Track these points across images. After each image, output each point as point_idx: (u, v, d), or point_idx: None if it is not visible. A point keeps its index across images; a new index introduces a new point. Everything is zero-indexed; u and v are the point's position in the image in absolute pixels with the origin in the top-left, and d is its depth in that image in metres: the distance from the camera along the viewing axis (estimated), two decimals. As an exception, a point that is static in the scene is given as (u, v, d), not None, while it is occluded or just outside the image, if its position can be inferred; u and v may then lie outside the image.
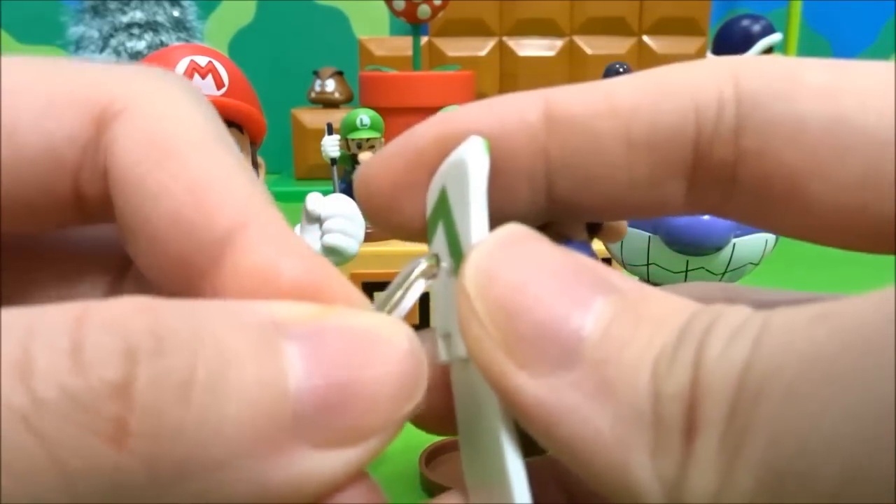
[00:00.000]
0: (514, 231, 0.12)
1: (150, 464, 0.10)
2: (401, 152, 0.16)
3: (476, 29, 1.62)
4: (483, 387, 0.12)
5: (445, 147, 0.15)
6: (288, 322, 0.12)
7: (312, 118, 1.57)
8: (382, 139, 0.78)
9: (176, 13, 1.31)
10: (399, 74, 1.21)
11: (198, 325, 0.11)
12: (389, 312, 0.14)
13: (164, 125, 0.14)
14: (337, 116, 0.88)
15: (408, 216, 0.16)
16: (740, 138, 0.13)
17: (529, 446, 0.12)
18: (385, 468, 0.50)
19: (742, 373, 0.10)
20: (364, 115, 0.76)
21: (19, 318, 0.10)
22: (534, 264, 0.12)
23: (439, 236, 0.15)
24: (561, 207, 0.15)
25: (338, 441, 0.11)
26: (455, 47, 1.62)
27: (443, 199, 0.15)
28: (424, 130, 0.15)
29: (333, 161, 0.77)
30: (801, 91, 0.13)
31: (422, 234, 0.16)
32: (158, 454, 0.10)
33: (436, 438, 0.49)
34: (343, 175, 0.80)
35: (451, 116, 0.15)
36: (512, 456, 0.12)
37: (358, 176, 0.16)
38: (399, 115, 1.05)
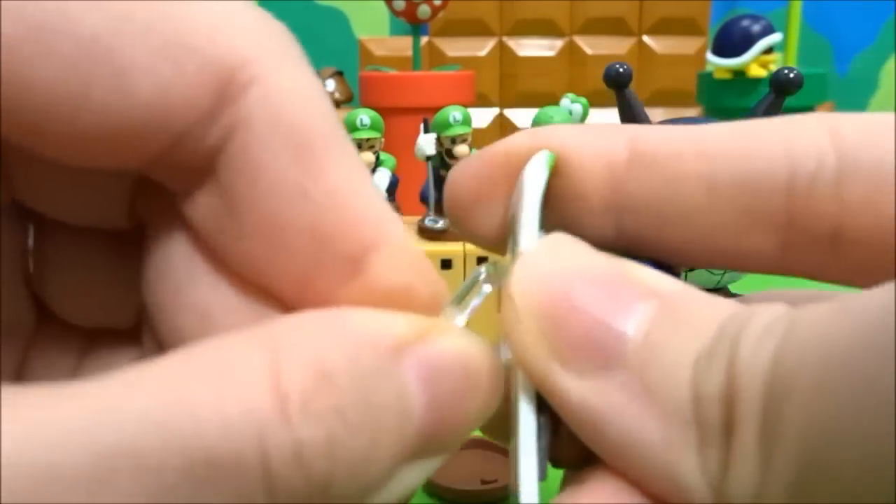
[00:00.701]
0: (559, 239, 0.13)
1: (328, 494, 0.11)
2: (483, 161, 0.16)
3: (476, 29, 1.62)
4: (515, 394, 0.13)
5: (522, 159, 0.15)
6: (403, 344, 0.12)
7: (312, 118, 1.56)
8: (382, 139, 0.78)
9: None
10: (399, 74, 1.21)
11: (360, 385, 0.11)
12: (457, 318, 0.14)
13: (300, 111, 0.13)
14: (337, 116, 0.88)
15: (484, 225, 0.16)
16: (844, 189, 0.13)
17: (567, 455, 0.12)
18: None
19: (771, 370, 0.10)
20: (364, 115, 0.76)
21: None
22: (576, 272, 0.12)
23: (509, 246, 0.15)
24: (630, 243, 0.15)
25: (430, 454, 0.12)
26: (455, 47, 1.62)
27: (513, 211, 0.15)
28: (508, 142, 0.15)
29: (333, 161, 0.77)
30: None
31: (498, 243, 0.16)
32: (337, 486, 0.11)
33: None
34: (343, 175, 0.80)
35: (539, 132, 0.15)
36: (527, 462, 0.12)
37: (447, 179, 0.16)
38: (399, 115, 1.05)
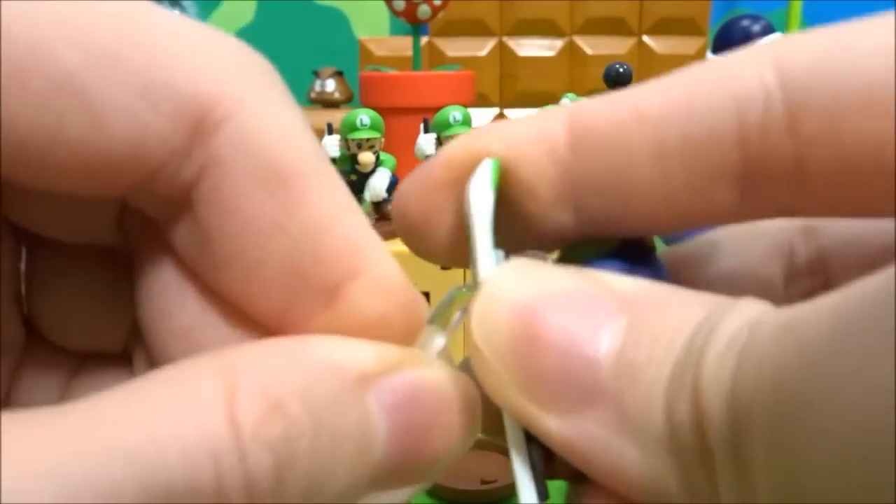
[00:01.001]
0: (515, 268, 0.12)
1: None
2: (425, 175, 0.15)
3: (476, 29, 1.62)
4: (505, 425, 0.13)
5: (466, 169, 0.14)
6: (373, 375, 0.12)
7: (312, 118, 1.57)
8: (382, 139, 0.78)
9: (176, 13, 1.31)
10: (399, 74, 1.21)
11: (314, 413, 0.11)
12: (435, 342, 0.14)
13: (275, 146, 0.13)
14: (337, 116, 0.88)
15: (436, 240, 0.15)
16: (798, 124, 0.12)
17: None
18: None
19: (730, 395, 0.10)
20: (364, 115, 0.76)
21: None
22: (537, 304, 0.12)
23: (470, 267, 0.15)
24: (593, 227, 0.14)
25: (399, 484, 0.12)
26: (455, 47, 1.62)
27: (466, 226, 0.14)
28: (444, 153, 0.15)
29: (333, 161, 0.77)
30: (858, 56, 0.12)
31: (453, 257, 0.15)
32: None
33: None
34: (343, 175, 0.80)
35: (475, 137, 0.15)
36: (526, 489, 0.12)
37: (394, 197, 0.16)
38: (399, 115, 1.05)
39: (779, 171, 0.12)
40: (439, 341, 0.14)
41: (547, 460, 0.12)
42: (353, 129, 0.77)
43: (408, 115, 1.00)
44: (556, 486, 0.12)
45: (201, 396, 0.11)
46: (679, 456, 0.10)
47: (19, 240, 0.16)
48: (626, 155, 0.13)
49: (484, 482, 0.39)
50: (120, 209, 0.16)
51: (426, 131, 0.79)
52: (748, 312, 0.10)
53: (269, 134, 0.13)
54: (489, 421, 0.13)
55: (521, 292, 0.12)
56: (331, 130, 0.77)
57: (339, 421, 0.11)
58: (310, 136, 0.14)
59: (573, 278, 0.12)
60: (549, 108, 0.14)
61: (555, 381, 0.11)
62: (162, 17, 0.13)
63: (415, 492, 0.13)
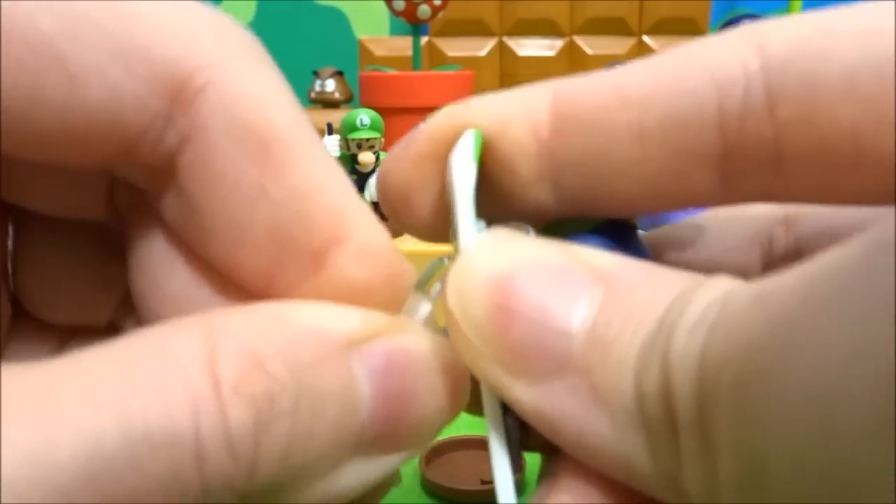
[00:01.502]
0: (493, 238, 0.12)
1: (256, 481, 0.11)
2: (408, 149, 0.15)
3: (476, 29, 1.62)
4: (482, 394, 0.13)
5: (449, 142, 0.14)
6: (358, 341, 0.12)
7: (312, 118, 1.56)
8: (382, 139, 0.78)
9: None
10: (399, 74, 1.21)
11: (297, 375, 0.11)
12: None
13: (257, 113, 0.13)
14: (337, 116, 0.88)
15: (418, 214, 0.15)
16: (777, 109, 0.12)
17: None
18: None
19: (699, 367, 0.10)
20: (364, 115, 0.76)
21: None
22: (512, 274, 0.12)
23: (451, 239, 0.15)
24: (573, 207, 0.14)
25: (383, 451, 0.12)
26: (455, 47, 1.62)
27: (449, 200, 0.14)
28: (428, 126, 0.15)
29: (333, 161, 0.77)
30: (839, 41, 0.12)
31: (435, 231, 0.15)
32: (268, 475, 0.11)
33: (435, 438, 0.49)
34: (343, 175, 0.80)
35: (458, 109, 0.14)
36: (500, 459, 0.12)
37: (377, 173, 0.16)
38: (399, 115, 1.05)
39: (758, 155, 0.12)
40: (425, 308, 0.14)
41: (523, 431, 0.12)
42: (353, 129, 0.77)
43: (408, 115, 1.00)
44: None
45: (183, 352, 0.11)
46: (647, 428, 0.10)
47: (5, 215, 0.16)
48: (608, 136, 0.13)
49: (484, 482, 0.39)
50: (109, 184, 0.16)
51: (426, 131, 0.79)
52: (721, 288, 0.10)
53: (251, 100, 0.13)
54: (472, 392, 0.13)
55: (496, 262, 0.12)
56: (331, 130, 0.77)
57: (323, 383, 0.11)
58: (292, 102, 0.14)
59: (551, 250, 0.12)
60: (535, 84, 0.14)
61: (527, 351, 0.11)
62: None
63: (400, 461, 0.12)
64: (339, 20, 1.89)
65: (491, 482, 0.12)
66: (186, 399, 0.11)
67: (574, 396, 0.11)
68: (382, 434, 0.12)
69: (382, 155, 0.80)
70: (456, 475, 0.40)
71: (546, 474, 0.12)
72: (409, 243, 0.81)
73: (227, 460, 0.11)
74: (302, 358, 0.11)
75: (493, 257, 0.12)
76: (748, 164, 0.12)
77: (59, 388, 0.10)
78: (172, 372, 0.11)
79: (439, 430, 0.13)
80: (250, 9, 1.90)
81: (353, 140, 0.77)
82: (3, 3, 0.11)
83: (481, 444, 0.42)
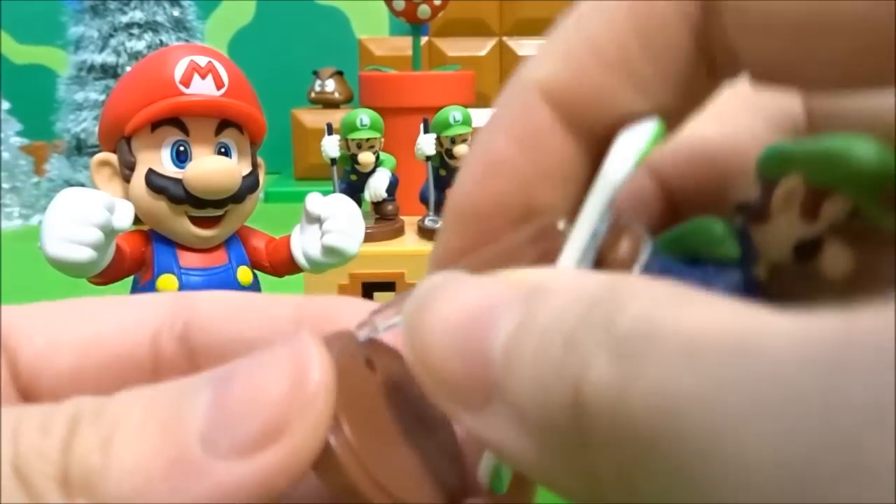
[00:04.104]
0: (441, 282, 0.12)
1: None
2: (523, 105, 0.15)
3: (476, 29, 1.62)
4: None
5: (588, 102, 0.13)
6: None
7: (312, 118, 1.57)
8: (382, 139, 0.78)
9: (176, 13, 1.31)
10: (399, 74, 1.21)
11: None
12: None
13: None
14: (337, 116, 0.88)
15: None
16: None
17: None
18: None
19: (617, 400, 0.09)
20: (364, 115, 0.76)
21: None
22: (445, 314, 0.12)
23: None
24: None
25: (249, 449, 0.11)
26: (455, 47, 1.62)
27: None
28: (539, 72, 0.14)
29: (333, 161, 0.77)
30: None
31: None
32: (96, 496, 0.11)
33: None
34: (343, 175, 0.80)
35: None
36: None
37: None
38: (399, 115, 1.05)
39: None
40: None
41: None
42: (353, 129, 0.77)
43: (408, 115, 1.00)
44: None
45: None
46: (568, 450, 0.10)
47: None
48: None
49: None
50: None
51: (426, 131, 0.79)
52: (638, 309, 0.10)
53: None
54: None
55: (436, 303, 0.12)
56: (331, 130, 0.77)
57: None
58: None
59: (482, 281, 0.12)
60: None
61: (461, 383, 0.11)
62: None
63: (286, 463, 0.12)
64: (339, 20, 1.89)
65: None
66: None
67: (502, 420, 0.11)
68: (231, 433, 0.11)
69: (382, 155, 0.80)
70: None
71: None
72: (410, 242, 0.81)
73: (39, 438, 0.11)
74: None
75: (433, 299, 0.12)
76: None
77: None
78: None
79: (309, 421, 0.12)
80: (250, 9, 1.90)
81: (353, 140, 0.77)
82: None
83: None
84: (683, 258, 0.13)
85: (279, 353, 0.12)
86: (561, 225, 0.13)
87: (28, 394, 0.14)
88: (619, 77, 0.13)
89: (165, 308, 0.15)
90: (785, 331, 0.08)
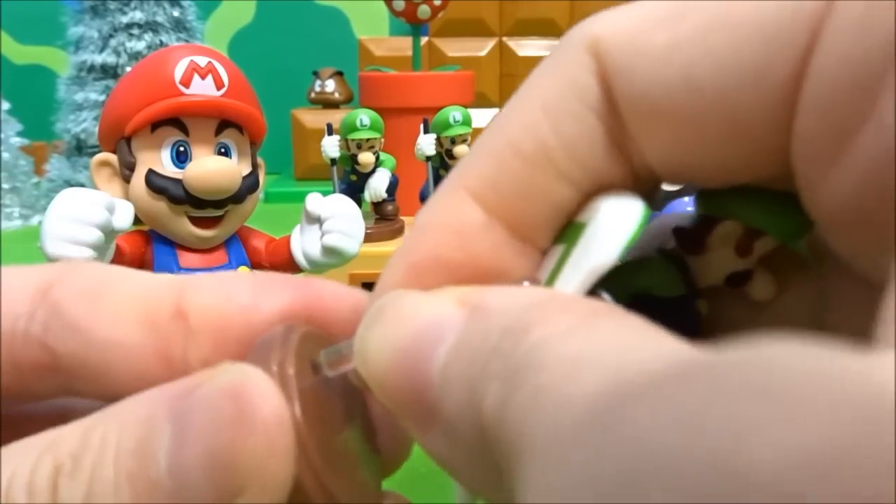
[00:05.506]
0: (385, 308, 0.12)
1: None
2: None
3: (476, 29, 1.62)
4: None
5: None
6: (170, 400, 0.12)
7: (312, 118, 1.57)
8: (382, 139, 0.78)
9: (176, 13, 1.31)
10: (399, 75, 1.21)
11: (97, 454, 0.12)
12: None
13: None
14: (337, 117, 0.88)
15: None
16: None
17: None
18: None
19: (498, 424, 0.10)
20: (364, 116, 0.76)
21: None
22: (387, 331, 0.12)
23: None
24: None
25: (221, 498, 0.11)
26: (455, 47, 1.62)
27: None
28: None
29: (333, 161, 0.77)
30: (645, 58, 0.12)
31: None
32: None
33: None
34: (343, 175, 0.80)
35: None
36: None
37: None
38: (399, 115, 1.05)
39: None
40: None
41: None
42: (353, 129, 0.77)
43: (408, 115, 1.00)
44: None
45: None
46: (496, 469, 0.10)
47: None
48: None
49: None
50: None
51: (426, 131, 0.79)
52: (538, 336, 0.10)
53: None
54: None
55: (383, 324, 0.12)
56: (331, 130, 0.77)
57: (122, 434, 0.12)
58: None
59: (429, 302, 0.12)
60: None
61: (408, 404, 0.12)
62: None
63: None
64: (339, 20, 1.89)
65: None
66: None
67: (446, 441, 0.11)
68: (200, 487, 0.11)
69: (382, 155, 0.80)
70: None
71: None
72: (395, 245, 0.81)
73: None
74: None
75: (380, 319, 0.12)
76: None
77: None
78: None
79: (273, 470, 0.11)
80: (250, 9, 1.90)
81: (352, 140, 0.77)
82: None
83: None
84: (628, 297, 0.14)
85: (230, 405, 0.11)
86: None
87: None
88: (541, 171, 0.13)
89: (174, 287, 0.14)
90: (653, 354, 0.08)
